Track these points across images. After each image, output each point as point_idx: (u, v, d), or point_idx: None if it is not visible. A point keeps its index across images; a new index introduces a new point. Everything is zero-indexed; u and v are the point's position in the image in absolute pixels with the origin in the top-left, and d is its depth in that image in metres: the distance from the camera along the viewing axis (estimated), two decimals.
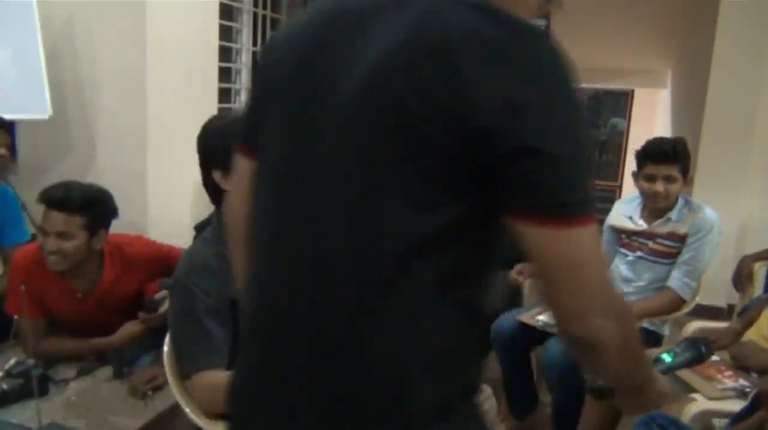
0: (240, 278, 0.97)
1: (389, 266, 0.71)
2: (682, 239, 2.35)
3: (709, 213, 2.36)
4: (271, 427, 0.81)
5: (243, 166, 0.93)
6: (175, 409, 1.68)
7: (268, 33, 4.11)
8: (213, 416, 1.47)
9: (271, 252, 0.82)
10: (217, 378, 1.46)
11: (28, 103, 2.63)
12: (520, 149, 0.66)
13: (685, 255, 2.34)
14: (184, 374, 1.50)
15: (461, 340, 0.78)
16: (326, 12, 0.82)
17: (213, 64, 3.32)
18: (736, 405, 1.76)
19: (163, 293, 1.98)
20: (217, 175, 1.57)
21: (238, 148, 0.94)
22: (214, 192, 1.60)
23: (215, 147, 1.56)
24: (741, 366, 2.00)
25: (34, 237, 2.25)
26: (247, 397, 0.85)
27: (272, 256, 0.82)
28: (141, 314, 1.97)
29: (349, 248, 0.73)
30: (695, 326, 2.43)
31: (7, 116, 2.45)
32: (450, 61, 0.67)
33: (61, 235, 1.86)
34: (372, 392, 0.74)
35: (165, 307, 1.93)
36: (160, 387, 1.88)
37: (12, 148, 2.51)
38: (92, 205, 1.91)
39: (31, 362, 1.82)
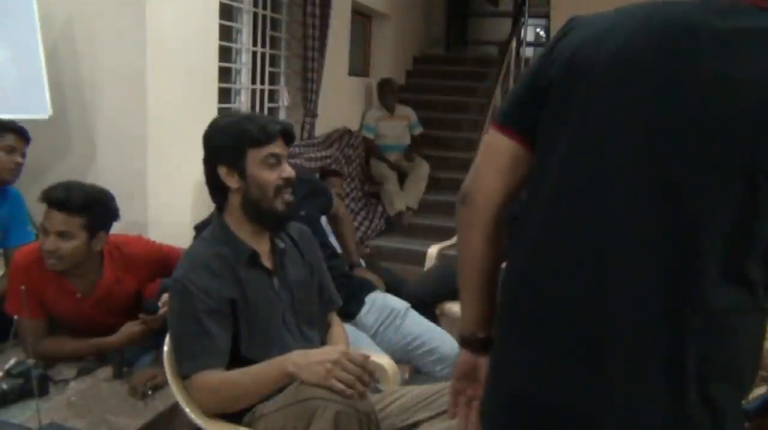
0: (474, 259, 0.98)
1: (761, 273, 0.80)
2: None
3: None
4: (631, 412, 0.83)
5: (508, 150, 0.95)
6: (175, 409, 1.68)
7: (268, 33, 4.11)
8: (213, 415, 1.47)
9: (616, 254, 0.83)
10: (216, 378, 1.46)
11: (28, 103, 2.63)
12: None
13: None
14: (183, 374, 1.50)
15: None
16: (670, 23, 0.83)
17: (213, 64, 3.32)
18: None
19: (165, 297, 1.98)
20: (222, 172, 1.57)
21: (510, 131, 0.95)
22: (217, 188, 1.61)
23: (222, 144, 1.57)
24: None
25: (37, 238, 2.25)
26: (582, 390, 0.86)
27: (615, 258, 0.83)
28: (141, 316, 1.97)
29: (726, 252, 0.79)
30: None
31: (7, 116, 2.45)
32: None
33: (61, 234, 1.86)
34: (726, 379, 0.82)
35: (165, 309, 1.93)
36: (160, 387, 1.88)
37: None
38: (93, 206, 1.91)
39: (31, 362, 1.82)
